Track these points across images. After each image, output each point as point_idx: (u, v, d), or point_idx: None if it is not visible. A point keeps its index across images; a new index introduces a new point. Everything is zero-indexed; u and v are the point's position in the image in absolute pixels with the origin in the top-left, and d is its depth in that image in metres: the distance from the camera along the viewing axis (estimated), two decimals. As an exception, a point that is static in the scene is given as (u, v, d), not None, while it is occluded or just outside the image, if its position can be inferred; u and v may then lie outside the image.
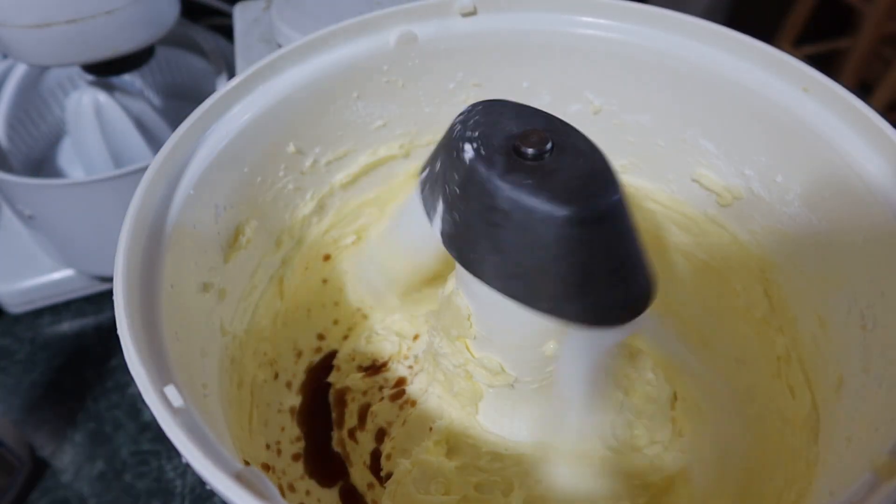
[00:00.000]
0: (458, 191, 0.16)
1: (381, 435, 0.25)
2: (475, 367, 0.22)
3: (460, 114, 0.17)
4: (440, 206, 0.17)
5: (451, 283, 0.22)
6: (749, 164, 0.24)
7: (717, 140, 0.24)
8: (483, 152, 0.16)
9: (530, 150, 0.17)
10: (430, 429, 0.24)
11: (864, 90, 0.79)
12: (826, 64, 0.84)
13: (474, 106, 0.17)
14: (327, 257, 0.28)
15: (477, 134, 0.17)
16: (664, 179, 0.27)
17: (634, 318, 0.17)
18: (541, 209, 0.15)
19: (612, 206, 0.16)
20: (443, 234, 0.17)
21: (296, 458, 0.24)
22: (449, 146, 0.17)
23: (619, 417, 0.24)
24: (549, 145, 0.17)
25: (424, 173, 0.18)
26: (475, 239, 0.17)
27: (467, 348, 0.22)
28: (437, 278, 0.26)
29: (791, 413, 0.22)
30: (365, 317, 0.28)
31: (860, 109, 0.20)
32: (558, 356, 0.20)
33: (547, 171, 0.16)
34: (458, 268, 0.20)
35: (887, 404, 0.17)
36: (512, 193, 0.15)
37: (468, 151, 0.16)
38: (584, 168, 0.16)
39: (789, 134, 0.22)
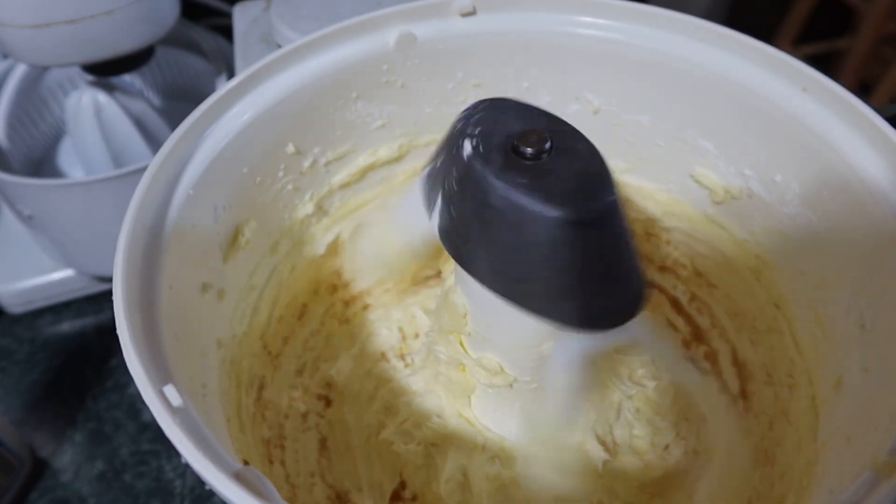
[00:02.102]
0: (455, 187, 0.17)
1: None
2: (473, 366, 0.22)
3: (465, 110, 0.17)
4: (439, 201, 0.17)
5: (449, 280, 0.22)
6: (748, 163, 0.24)
7: (716, 140, 0.24)
8: (481, 149, 0.16)
9: (529, 150, 0.17)
10: (429, 425, 0.24)
11: (863, 90, 0.79)
12: (825, 64, 0.84)
13: (479, 103, 0.17)
14: (327, 258, 0.28)
15: (478, 131, 0.17)
16: (663, 179, 0.27)
17: (624, 323, 0.17)
18: (532, 209, 0.15)
19: (605, 209, 0.16)
20: (440, 228, 0.17)
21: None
22: (450, 142, 0.17)
23: (618, 419, 0.24)
24: (547, 145, 0.17)
25: (428, 168, 0.18)
26: (469, 235, 0.17)
27: (461, 344, 0.22)
28: (422, 272, 0.26)
29: (791, 412, 0.22)
30: (365, 307, 0.28)
31: (859, 109, 0.20)
32: (549, 356, 0.20)
33: (543, 172, 0.16)
34: (457, 266, 0.20)
35: (887, 404, 0.17)
36: (505, 192, 0.15)
37: (467, 148, 0.16)
38: (580, 170, 0.16)
39: (788, 133, 0.22)
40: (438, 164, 0.17)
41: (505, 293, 0.17)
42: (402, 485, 0.23)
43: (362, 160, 0.27)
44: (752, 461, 0.23)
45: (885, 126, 0.20)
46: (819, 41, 0.84)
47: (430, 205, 0.18)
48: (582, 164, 0.16)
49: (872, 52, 0.79)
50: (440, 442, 0.23)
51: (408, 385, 0.25)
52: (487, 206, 0.16)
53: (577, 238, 0.16)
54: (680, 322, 0.28)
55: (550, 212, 0.15)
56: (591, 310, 0.17)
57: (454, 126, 0.17)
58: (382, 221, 0.23)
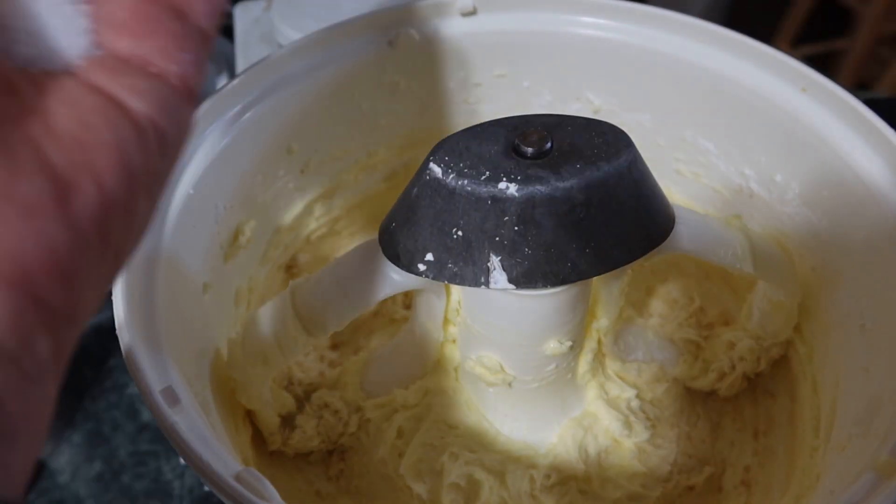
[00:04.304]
0: (517, 228, 0.17)
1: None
2: (474, 364, 0.22)
3: (438, 176, 0.17)
4: (495, 261, 0.17)
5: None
6: (748, 163, 0.24)
7: (716, 140, 0.24)
8: (519, 177, 0.16)
9: (530, 150, 0.17)
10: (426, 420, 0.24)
11: (861, 90, 0.80)
12: (824, 64, 0.84)
13: (432, 167, 0.17)
14: (327, 257, 0.28)
15: (488, 173, 0.17)
16: (664, 179, 0.27)
17: (665, 239, 0.19)
18: (614, 170, 0.17)
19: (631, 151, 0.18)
20: (514, 280, 0.17)
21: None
22: (468, 203, 0.17)
23: (620, 417, 0.24)
24: (548, 145, 0.17)
25: (428, 258, 0.18)
26: (563, 251, 0.17)
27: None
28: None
29: (791, 412, 0.22)
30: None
31: (858, 109, 0.20)
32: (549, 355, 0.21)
33: (567, 153, 0.17)
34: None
35: (887, 404, 0.17)
36: (582, 180, 0.16)
37: (508, 188, 0.16)
38: (588, 134, 0.18)
39: (788, 134, 0.22)
40: (463, 234, 0.17)
41: (615, 263, 0.18)
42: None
43: (363, 159, 0.27)
44: (754, 461, 0.23)
45: (883, 126, 0.20)
46: (817, 42, 0.84)
47: (480, 275, 0.17)
48: (583, 130, 0.18)
49: (870, 53, 0.79)
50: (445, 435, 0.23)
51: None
52: (575, 204, 0.17)
53: (637, 173, 0.17)
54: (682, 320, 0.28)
55: (621, 162, 0.17)
56: (649, 236, 0.18)
57: (452, 190, 0.17)
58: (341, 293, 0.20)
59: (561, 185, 0.16)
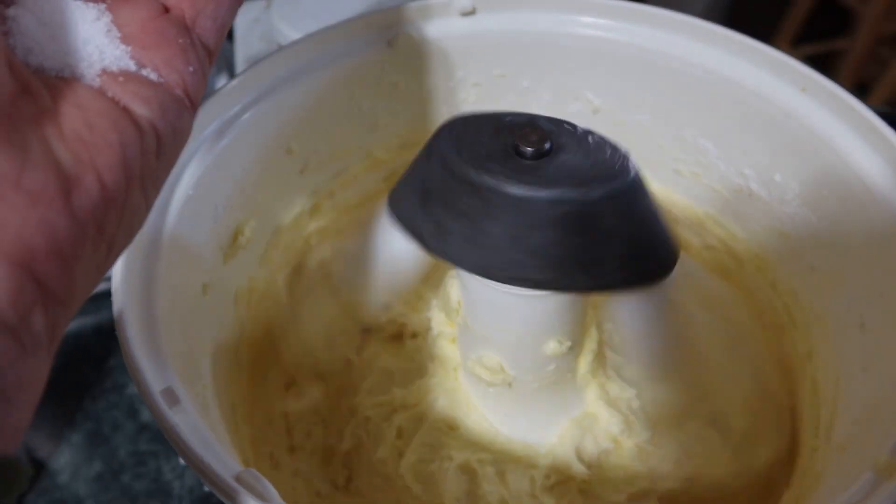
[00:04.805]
0: (487, 211, 0.16)
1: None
2: (474, 364, 0.22)
3: (443, 145, 0.17)
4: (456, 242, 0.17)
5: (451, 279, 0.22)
6: (748, 163, 0.24)
7: (716, 139, 0.24)
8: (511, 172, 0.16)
9: (529, 150, 0.17)
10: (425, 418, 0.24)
11: (861, 90, 0.80)
12: (824, 64, 0.84)
13: (446, 132, 0.17)
14: (327, 257, 0.28)
15: (481, 154, 0.16)
16: (664, 179, 0.27)
17: (667, 275, 0.18)
18: (578, 198, 0.16)
19: (635, 174, 0.17)
20: (473, 269, 0.17)
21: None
22: (457, 183, 0.16)
23: (620, 417, 0.24)
24: (548, 144, 0.17)
25: (405, 203, 0.18)
26: (515, 254, 0.17)
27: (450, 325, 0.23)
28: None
29: (791, 412, 0.22)
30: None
31: (858, 109, 0.20)
32: (551, 356, 0.20)
33: (558, 165, 0.17)
34: (461, 274, 0.20)
35: (887, 404, 0.17)
36: (556, 194, 0.16)
37: (480, 176, 0.16)
38: (590, 150, 0.17)
39: (788, 134, 0.22)
40: (499, 235, 0.17)
41: (607, 286, 0.17)
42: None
43: (362, 159, 0.27)
44: (754, 460, 0.23)
45: (883, 126, 0.20)
46: (817, 41, 0.84)
47: (437, 238, 0.17)
48: (588, 146, 0.17)
49: (870, 53, 0.79)
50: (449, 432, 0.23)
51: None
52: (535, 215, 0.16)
53: (620, 206, 0.17)
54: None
55: (594, 192, 0.16)
56: (647, 268, 0.18)
57: (479, 185, 0.16)
58: (368, 252, 0.22)
59: (541, 193, 0.16)
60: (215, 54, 0.13)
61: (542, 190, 0.16)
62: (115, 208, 0.10)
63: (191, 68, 0.12)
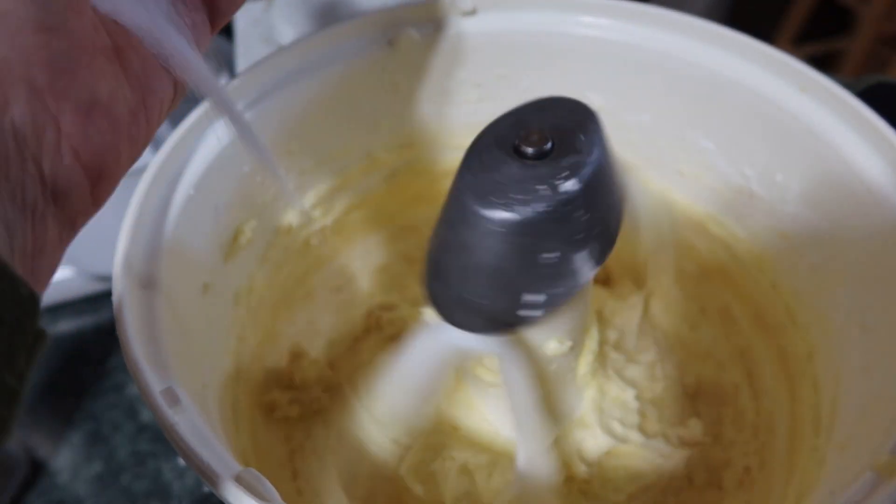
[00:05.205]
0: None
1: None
2: (474, 364, 0.22)
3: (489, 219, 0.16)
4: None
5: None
6: (749, 163, 0.24)
7: (716, 139, 0.24)
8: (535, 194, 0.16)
9: (530, 150, 0.17)
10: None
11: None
12: (824, 64, 0.84)
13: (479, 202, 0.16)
14: (328, 258, 0.28)
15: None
16: (665, 179, 0.27)
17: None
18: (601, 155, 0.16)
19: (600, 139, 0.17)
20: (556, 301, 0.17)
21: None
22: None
23: (620, 417, 0.24)
24: (549, 144, 0.17)
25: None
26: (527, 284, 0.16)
27: None
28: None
29: (792, 412, 0.22)
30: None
31: (858, 109, 0.20)
32: (551, 356, 0.20)
33: (561, 149, 0.16)
34: None
35: (888, 404, 0.17)
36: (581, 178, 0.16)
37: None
38: (562, 129, 0.17)
39: (788, 133, 0.22)
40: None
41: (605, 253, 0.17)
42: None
43: (363, 159, 0.27)
44: (755, 460, 0.23)
45: (883, 126, 0.20)
46: (818, 41, 0.84)
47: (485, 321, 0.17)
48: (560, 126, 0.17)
49: (871, 53, 0.79)
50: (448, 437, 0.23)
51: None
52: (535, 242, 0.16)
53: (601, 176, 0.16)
54: (682, 319, 0.28)
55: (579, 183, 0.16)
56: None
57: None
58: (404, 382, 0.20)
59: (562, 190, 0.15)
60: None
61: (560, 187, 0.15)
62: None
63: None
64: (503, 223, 0.15)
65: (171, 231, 0.19)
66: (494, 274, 0.16)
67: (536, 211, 0.15)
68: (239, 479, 0.14)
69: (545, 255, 0.16)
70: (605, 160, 0.17)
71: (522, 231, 0.16)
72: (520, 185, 0.16)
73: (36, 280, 0.12)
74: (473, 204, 0.16)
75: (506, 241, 0.16)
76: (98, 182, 0.13)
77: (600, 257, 0.17)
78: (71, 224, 0.13)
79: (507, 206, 0.15)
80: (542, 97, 0.18)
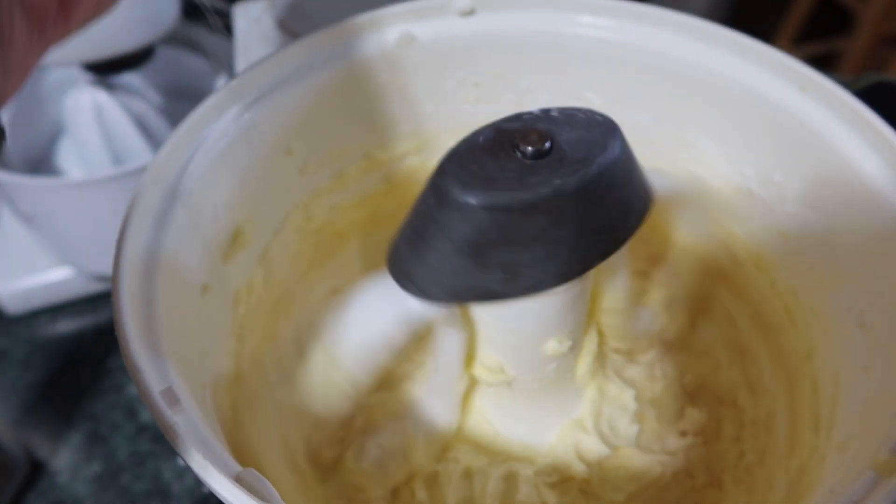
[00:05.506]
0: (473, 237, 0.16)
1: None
2: (474, 364, 0.22)
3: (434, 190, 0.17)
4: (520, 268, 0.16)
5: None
6: (748, 163, 0.24)
7: (716, 139, 0.24)
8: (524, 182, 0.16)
9: (530, 149, 0.17)
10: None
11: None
12: (824, 64, 0.84)
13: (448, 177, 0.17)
14: (328, 257, 0.28)
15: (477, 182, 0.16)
16: (665, 179, 0.27)
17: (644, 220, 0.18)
18: (573, 186, 0.16)
19: (620, 145, 0.17)
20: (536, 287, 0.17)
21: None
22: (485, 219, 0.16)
23: (620, 417, 0.24)
24: (548, 144, 0.17)
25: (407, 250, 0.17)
26: (517, 265, 0.16)
27: None
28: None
29: (791, 412, 0.22)
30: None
31: (858, 110, 0.20)
32: (550, 355, 0.20)
33: (558, 157, 0.16)
34: None
35: (887, 402, 0.17)
36: (579, 179, 0.16)
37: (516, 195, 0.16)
38: (577, 130, 0.17)
39: (788, 133, 0.22)
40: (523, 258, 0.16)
41: (596, 259, 0.17)
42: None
43: (362, 159, 0.27)
44: (754, 460, 0.23)
45: (883, 126, 0.20)
46: (818, 41, 0.84)
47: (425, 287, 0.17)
48: (572, 126, 0.17)
49: (871, 53, 0.79)
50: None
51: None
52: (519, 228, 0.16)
53: (611, 179, 0.16)
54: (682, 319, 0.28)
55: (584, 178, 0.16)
56: (631, 226, 0.17)
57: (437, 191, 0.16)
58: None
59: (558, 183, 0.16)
60: None
61: (530, 191, 0.16)
62: None
63: None
64: (479, 199, 0.16)
65: (171, 231, 0.19)
66: (463, 248, 0.16)
67: (515, 198, 0.16)
68: (239, 480, 0.14)
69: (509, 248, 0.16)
70: (610, 174, 0.17)
71: (495, 213, 0.16)
72: (506, 171, 0.16)
73: (5, 72, 0.12)
74: (454, 181, 0.16)
75: (478, 218, 0.16)
76: None
77: (569, 272, 0.17)
78: (41, 28, 0.13)
79: (487, 184, 0.16)
80: (569, 107, 0.18)
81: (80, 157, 0.38)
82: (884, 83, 0.24)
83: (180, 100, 0.44)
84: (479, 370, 0.22)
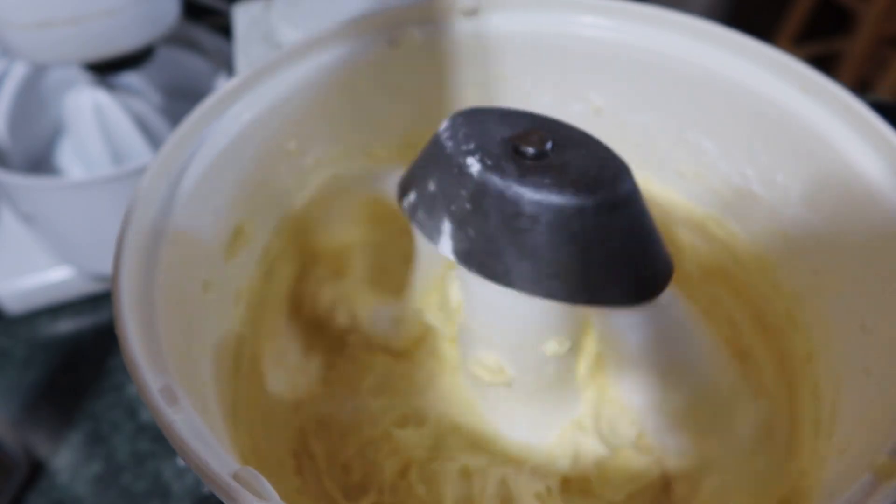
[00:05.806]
0: (468, 206, 0.17)
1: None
2: (474, 364, 0.22)
3: (443, 129, 0.17)
4: (447, 227, 0.17)
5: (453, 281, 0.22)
6: (750, 164, 0.24)
7: (717, 140, 0.24)
8: (489, 162, 0.16)
9: (531, 150, 0.17)
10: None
11: (862, 90, 0.79)
12: (824, 64, 0.84)
13: (454, 118, 0.18)
14: (327, 258, 0.28)
15: (473, 146, 0.17)
16: (666, 180, 0.27)
17: (662, 291, 0.18)
18: (570, 204, 0.16)
19: (631, 185, 0.17)
20: (456, 252, 0.17)
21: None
22: (445, 164, 0.17)
23: (620, 417, 0.23)
24: (549, 144, 0.17)
25: (411, 197, 0.18)
26: (500, 250, 0.17)
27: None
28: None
29: (792, 413, 0.22)
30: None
31: (859, 110, 0.20)
32: (550, 356, 0.20)
33: (558, 167, 0.16)
34: (461, 271, 0.20)
35: (887, 405, 0.17)
36: (536, 196, 0.16)
37: (473, 165, 0.16)
38: (590, 157, 0.17)
39: (789, 134, 0.22)
40: (430, 189, 0.17)
41: (551, 294, 0.17)
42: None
43: (363, 159, 0.27)
44: (754, 460, 0.23)
45: (884, 127, 0.20)
46: (818, 41, 0.84)
47: (433, 233, 0.18)
48: (588, 151, 0.17)
49: (871, 53, 0.79)
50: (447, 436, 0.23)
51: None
52: (518, 215, 0.16)
53: (616, 219, 0.16)
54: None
55: (588, 201, 0.16)
56: (635, 285, 0.18)
57: (439, 146, 0.17)
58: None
59: (516, 188, 0.16)
60: None
61: (538, 192, 0.16)
62: None
63: None
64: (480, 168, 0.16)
65: (171, 230, 0.19)
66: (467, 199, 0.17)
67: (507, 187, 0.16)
68: (237, 477, 0.14)
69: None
70: (623, 213, 0.16)
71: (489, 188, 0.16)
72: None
73: None
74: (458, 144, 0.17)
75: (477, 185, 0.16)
76: None
77: (550, 293, 0.17)
78: None
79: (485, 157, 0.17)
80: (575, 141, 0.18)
81: (80, 157, 0.38)
82: (878, 104, 0.24)
83: (180, 100, 0.44)
84: (479, 370, 0.22)
